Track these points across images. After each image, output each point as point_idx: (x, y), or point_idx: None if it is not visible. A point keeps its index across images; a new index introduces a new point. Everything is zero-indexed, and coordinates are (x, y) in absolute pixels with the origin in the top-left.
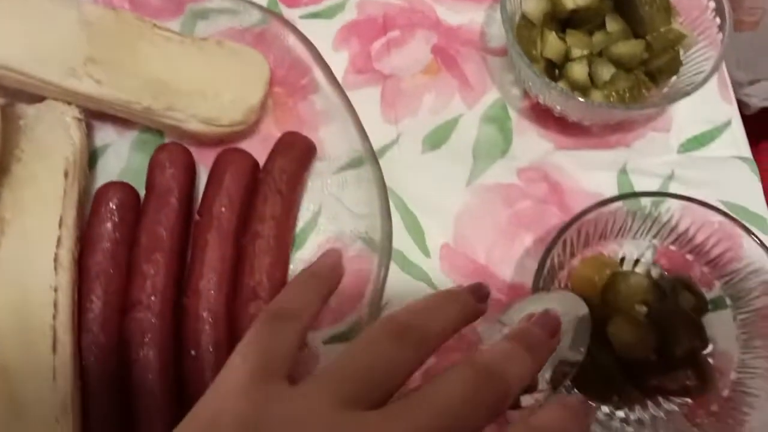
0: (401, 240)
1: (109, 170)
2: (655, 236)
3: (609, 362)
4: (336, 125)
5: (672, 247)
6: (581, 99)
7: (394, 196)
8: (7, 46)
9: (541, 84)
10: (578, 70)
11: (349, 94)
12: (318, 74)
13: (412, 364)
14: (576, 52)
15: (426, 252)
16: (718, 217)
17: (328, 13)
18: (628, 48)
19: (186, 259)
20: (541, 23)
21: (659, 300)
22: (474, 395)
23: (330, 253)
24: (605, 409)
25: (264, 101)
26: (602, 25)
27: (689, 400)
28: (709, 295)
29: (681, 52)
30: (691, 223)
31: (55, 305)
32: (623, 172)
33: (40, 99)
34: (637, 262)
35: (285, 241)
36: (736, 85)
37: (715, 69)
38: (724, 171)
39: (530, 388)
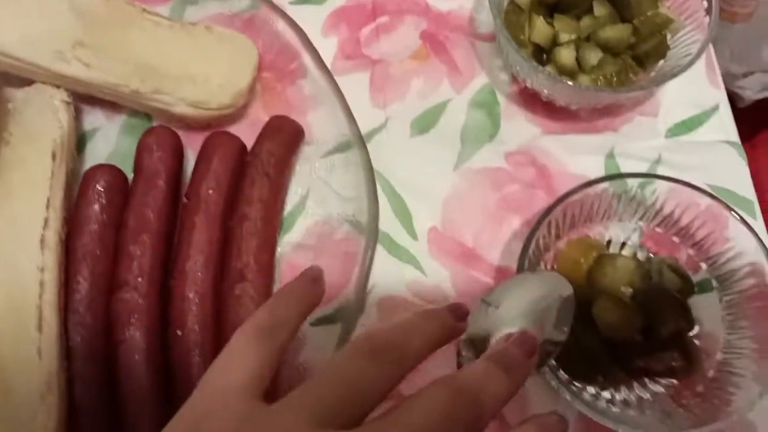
0: (389, 223)
1: (97, 154)
2: (641, 219)
3: (594, 343)
4: (324, 109)
5: (658, 230)
6: (569, 82)
7: (382, 180)
8: None
9: (528, 68)
10: (566, 55)
11: (337, 79)
12: (306, 59)
13: (389, 383)
14: (563, 37)
15: (414, 235)
16: (705, 199)
17: None
18: (616, 32)
19: (173, 242)
20: (528, 8)
21: (645, 282)
22: (450, 415)
23: (311, 270)
24: (591, 389)
25: (252, 86)
26: (590, 10)
27: (675, 382)
28: (695, 278)
29: (668, 36)
30: (677, 205)
31: (42, 285)
32: (610, 156)
33: (29, 83)
34: (623, 245)
35: (272, 223)
36: (730, 78)
37: (702, 51)
38: (711, 155)
39: None
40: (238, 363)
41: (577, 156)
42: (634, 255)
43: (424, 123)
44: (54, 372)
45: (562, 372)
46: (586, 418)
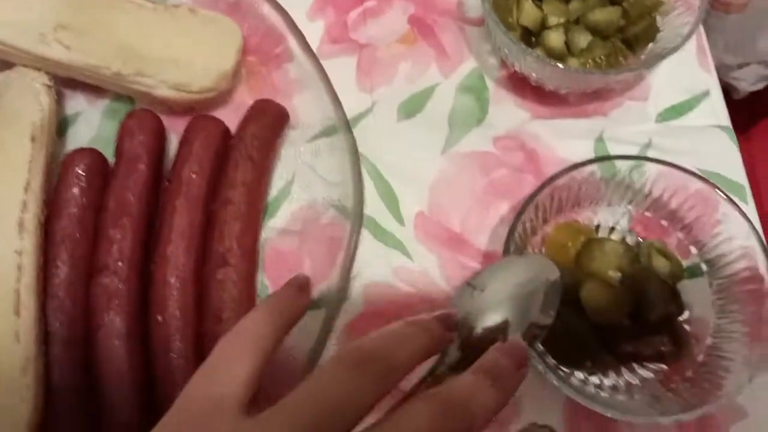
0: (375, 208)
1: (79, 138)
2: (630, 203)
3: (582, 328)
4: (310, 93)
5: (647, 214)
6: (558, 65)
7: (368, 164)
8: None
9: (517, 51)
10: (555, 38)
11: (324, 63)
12: (292, 43)
13: (374, 396)
14: (552, 20)
15: (400, 220)
16: (695, 182)
17: None
18: (605, 15)
19: (155, 226)
20: None
21: (634, 266)
22: (439, 429)
23: (297, 278)
24: (579, 375)
25: (236, 69)
26: None
27: (664, 367)
28: (685, 263)
29: (658, 19)
30: (666, 188)
31: (20, 269)
32: (600, 140)
33: (10, 66)
34: (612, 230)
35: (256, 207)
36: (725, 69)
37: (692, 33)
38: (702, 139)
39: None
40: (222, 373)
41: (566, 140)
42: (623, 239)
43: (412, 107)
44: (31, 356)
45: (549, 357)
46: (575, 404)
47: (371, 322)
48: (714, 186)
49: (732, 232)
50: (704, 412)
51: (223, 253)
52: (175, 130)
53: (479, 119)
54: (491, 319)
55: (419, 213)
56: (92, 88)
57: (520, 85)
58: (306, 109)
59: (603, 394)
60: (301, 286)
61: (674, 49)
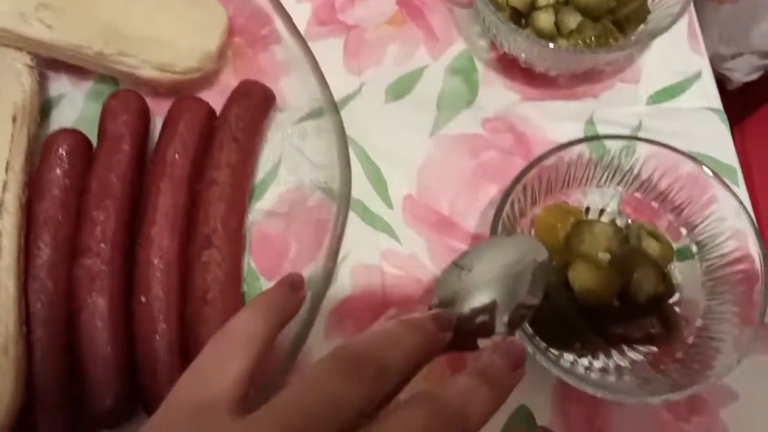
0: (363, 191)
1: (63, 120)
2: (619, 183)
3: (571, 310)
4: (297, 76)
5: (637, 195)
6: (547, 44)
7: (356, 147)
8: None
9: (506, 31)
10: (544, 19)
11: (311, 44)
12: (279, 24)
13: (366, 399)
14: (542, 1)
15: (388, 203)
16: (685, 162)
17: None
18: None
19: (139, 207)
20: None
21: (623, 247)
22: None
23: (291, 276)
24: (569, 357)
25: (222, 50)
26: None
27: (654, 349)
28: (675, 245)
29: (649, 0)
30: (656, 168)
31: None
32: (590, 122)
33: None
34: (602, 212)
35: (241, 189)
36: (718, 59)
37: (683, 12)
38: (693, 122)
39: (488, 331)
40: (212, 373)
41: (556, 122)
42: (613, 221)
43: (400, 89)
44: (11, 337)
45: (538, 339)
46: (564, 387)
47: (359, 305)
48: (705, 166)
49: (723, 213)
50: (693, 392)
51: (208, 235)
52: (160, 112)
53: (469, 101)
54: (479, 299)
55: (407, 196)
56: (76, 69)
57: (509, 67)
58: (293, 91)
59: (593, 375)
60: (294, 284)
61: (665, 29)
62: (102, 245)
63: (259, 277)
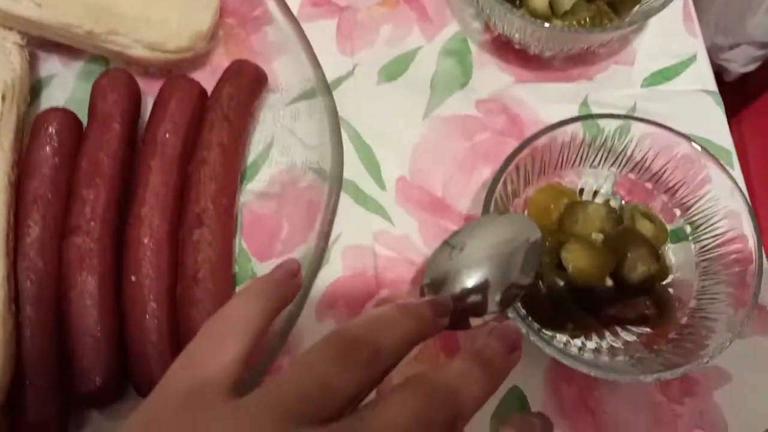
0: (356, 172)
1: (53, 100)
2: (613, 164)
3: (564, 290)
4: (289, 57)
5: (631, 176)
6: (542, 24)
7: (349, 129)
8: None
9: (500, 11)
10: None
11: (304, 26)
12: (271, 5)
13: (360, 384)
14: None
15: (381, 185)
16: (680, 142)
17: None
18: None
19: (129, 187)
20: None
21: (617, 227)
22: (425, 417)
23: (290, 262)
24: (561, 337)
25: (213, 30)
26: None
27: (648, 330)
28: (669, 227)
29: None
30: (650, 148)
31: None
32: (584, 104)
33: None
34: (596, 194)
35: (233, 169)
36: (716, 50)
37: None
38: (688, 104)
39: (480, 310)
40: (207, 356)
41: (550, 104)
42: (607, 202)
43: (393, 70)
44: (0, 316)
45: (531, 320)
46: (556, 368)
47: (351, 286)
48: (699, 146)
49: (717, 193)
50: (686, 370)
51: (199, 214)
52: (151, 92)
53: (462, 83)
54: (470, 279)
55: (400, 177)
56: (67, 50)
57: (503, 49)
58: (285, 72)
59: (586, 355)
60: (291, 270)
61: (659, 9)
62: (92, 223)
63: (251, 258)
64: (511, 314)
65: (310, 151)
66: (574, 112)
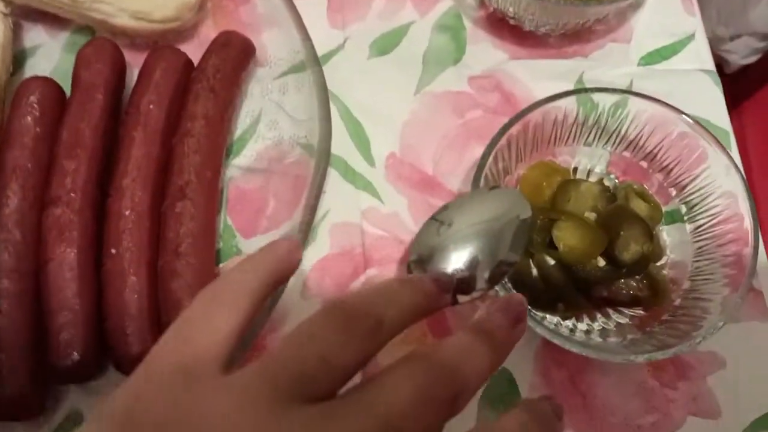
0: (345, 149)
1: (38, 71)
2: (607, 142)
3: (555, 269)
4: (278, 29)
5: (626, 154)
6: None
7: (338, 104)
8: None
9: None
10: None
11: None
12: None
13: (361, 356)
14: None
15: (371, 161)
16: (675, 119)
17: None
18: None
19: (112, 158)
20: None
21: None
22: (426, 394)
23: (290, 239)
24: (552, 319)
25: (201, 0)
26: None
27: (641, 311)
28: (664, 209)
29: None
30: (646, 125)
31: None
32: (580, 82)
33: None
34: (590, 173)
35: (217, 142)
36: (716, 41)
37: None
38: (685, 83)
39: (468, 288)
40: (200, 327)
41: (545, 82)
42: (601, 181)
43: (384, 45)
44: None
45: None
46: (547, 352)
47: (338, 264)
48: (696, 123)
49: (713, 172)
50: (678, 351)
51: (182, 187)
52: (138, 65)
53: (455, 59)
54: (459, 255)
55: (390, 154)
56: (53, 20)
57: (498, 25)
58: (274, 45)
59: (578, 334)
60: (292, 245)
61: None
62: (72, 195)
63: (236, 234)
64: (501, 292)
65: (298, 126)
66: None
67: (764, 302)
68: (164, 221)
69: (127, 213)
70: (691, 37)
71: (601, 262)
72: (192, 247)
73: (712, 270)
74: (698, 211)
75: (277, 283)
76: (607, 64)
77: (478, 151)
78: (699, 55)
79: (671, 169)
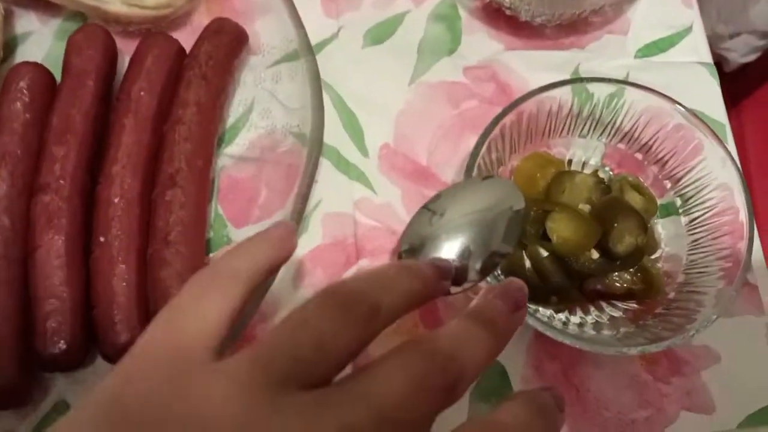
0: (338, 139)
1: (29, 58)
2: (602, 134)
3: (549, 261)
4: (272, 17)
5: (621, 146)
6: None
7: (332, 93)
8: None
9: None
10: None
11: None
12: None
13: (358, 342)
14: None
15: (364, 152)
16: (672, 110)
17: None
18: None
19: (102, 145)
20: None
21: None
22: (423, 382)
23: (285, 222)
24: (545, 312)
25: None
26: None
27: (634, 305)
28: (659, 202)
29: None
30: (641, 116)
31: None
32: (576, 74)
33: None
34: (584, 165)
35: (209, 129)
36: (716, 39)
37: None
38: (682, 76)
39: (459, 278)
40: (191, 312)
41: (541, 73)
42: (595, 172)
43: (379, 34)
44: None
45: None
46: (540, 345)
47: (330, 254)
48: (691, 113)
49: (709, 163)
50: (671, 344)
51: (172, 174)
52: (130, 52)
53: (451, 49)
54: (451, 245)
55: (384, 144)
56: (45, 6)
57: (494, 15)
58: (268, 33)
59: (571, 327)
60: (288, 230)
61: None
62: (61, 181)
63: (227, 223)
64: (492, 283)
65: (290, 115)
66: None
67: (759, 297)
68: (154, 209)
69: (116, 200)
70: (688, 30)
71: (595, 255)
72: (182, 236)
73: (707, 263)
74: (693, 204)
75: (271, 270)
76: (604, 55)
77: (473, 141)
78: (696, 48)
79: (666, 161)
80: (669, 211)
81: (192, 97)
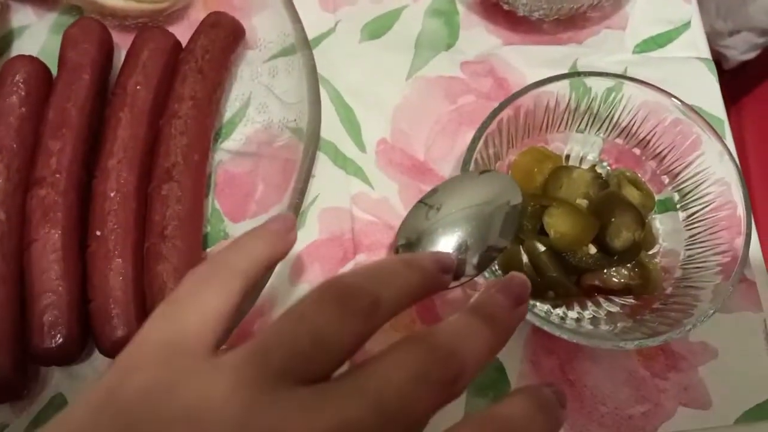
0: (335, 133)
1: (24, 52)
2: (600, 129)
3: (546, 256)
4: (269, 11)
5: (619, 141)
6: None
7: (329, 88)
8: None
9: None
10: None
11: None
12: None
13: (357, 337)
14: None
15: (361, 146)
16: (669, 105)
17: None
18: None
19: (98, 140)
20: None
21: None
22: (423, 377)
23: (285, 215)
24: (542, 307)
25: None
26: None
27: (632, 301)
28: (657, 197)
29: None
30: (639, 111)
31: None
32: (574, 68)
33: None
34: (582, 161)
35: (205, 124)
36: (716, 36)
37: None
38: (681, 71)
39: (456, 273)
40: (189, 307)
41: (538, 68)
42: (593, 167)
43: (376, 28)
44: None
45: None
46: (537, 340)
47: (327, 249)
48: (689, 107)
49: (707, 158)
50: (668, 338)
51: (168, 168)
52: (126, 46)
53: (448, 44)
54: (447, 240)
55: (381, 140)
56: (41, 0)
57: (491, 10)
58: (264, 27)
59: (568, 322)
60: (288, 223)
61: None
62: (57, 176)
63: (224, 218)
64: (489, 278)
65: (287, 109)
66: None
67: (756, 293)
68: (150, 203)
69: (112, 194)
70: (687, 25)
71: (593, 250)
72: (178, 230)
73: (705, 258)
74: (691, 199)
75: (270, 264)
76: (602, 50)
77: (470, 136)
78: (695, 43)
79: (664, 156)
80: (667, 206)
81: (188, 92)
